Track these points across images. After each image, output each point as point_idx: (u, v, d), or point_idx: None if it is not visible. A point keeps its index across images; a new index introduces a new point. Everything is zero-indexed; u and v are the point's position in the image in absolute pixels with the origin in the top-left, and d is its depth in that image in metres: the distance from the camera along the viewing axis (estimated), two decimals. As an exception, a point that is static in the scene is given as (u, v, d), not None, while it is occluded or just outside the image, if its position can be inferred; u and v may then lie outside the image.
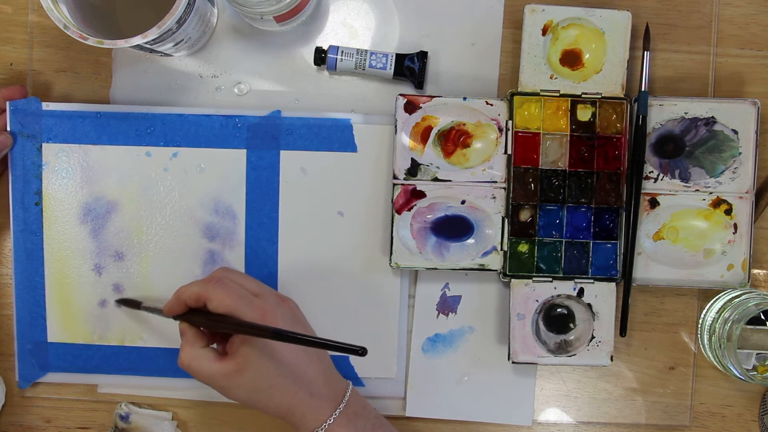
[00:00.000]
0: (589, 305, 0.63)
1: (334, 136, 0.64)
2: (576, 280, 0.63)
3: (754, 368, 0.62)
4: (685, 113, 0.63)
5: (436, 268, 0.63)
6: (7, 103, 0.63)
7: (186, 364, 0.53)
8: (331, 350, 0.50)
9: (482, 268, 0.63)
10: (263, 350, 0.53)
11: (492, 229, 0.63)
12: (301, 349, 0.55)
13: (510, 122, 0.63)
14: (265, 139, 0.64)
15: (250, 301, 0.53)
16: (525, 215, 0.63)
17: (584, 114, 0.63)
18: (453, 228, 0.63)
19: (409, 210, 0.63)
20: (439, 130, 0.63)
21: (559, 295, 0.63)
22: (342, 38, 0.65)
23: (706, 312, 0.65)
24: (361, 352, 0.48)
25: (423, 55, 0.64)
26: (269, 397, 0.54)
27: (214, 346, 0.56)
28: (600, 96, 0.62)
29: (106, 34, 0.56)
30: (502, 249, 0.63)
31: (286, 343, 0.52)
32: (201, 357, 0.53)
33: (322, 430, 0.54)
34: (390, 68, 0.63)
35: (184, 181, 0.64)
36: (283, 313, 0.55)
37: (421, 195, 0.63)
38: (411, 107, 0.62)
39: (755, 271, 0.66)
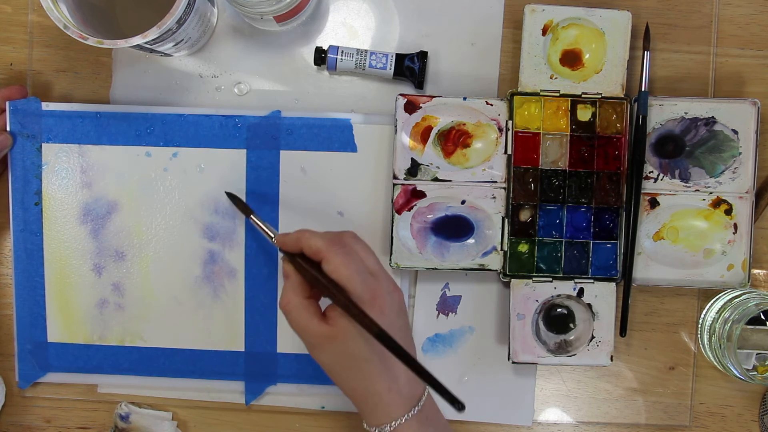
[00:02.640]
0: (589, 305, 0.63)
1: (334, 136, 0.64)
2: (576, 280, 0.63)
3: (754, 368, 0.62)
4: (685, 113, 0.63)
5: (436, 268, 0.63)
6: (7, 103, 0.63)
7: (285, 310, 0.53)
8: (430, 386, 0.49)
9: (482, 268, 0.63)
10: (361, 330, 0.51)
11: (492, 229, 0.63)
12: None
13: (510, 122, 0.63)
14: (265, 139, 0.64)
15: (364, 279, 0.52)
16: (525, 215, 0.63)
17: (584, 114, 0.63)
18: (453, 228, 0.63)
19: (409, 210, 0.63)
20: (439, 130, 0.63)
21: (559, 295, 0.63)
22: (342, 38, 0.65)
23: (706, 312, 0.65)
24: (460, 407, 0.47)
25: (423, 55, 0.64)
26: (349, 377, 0.53)
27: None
28: (600, 96, 0.62)
29: (106, 34, 0.56)
30: (502, 249, 0.63)
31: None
32: (301, 308, 0.52)
33: (389, 426, 0.53)
34: (390, 68, 0.63)
35: (184, 181, 0.64)
36: (391, 302, 0.53)
37: (421, 195, 0.63)
38: (411, 107, 0.62)
39: (755, 271, 0.66)
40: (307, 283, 0.54)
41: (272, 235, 0.58)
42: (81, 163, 0.64)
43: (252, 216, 0.60)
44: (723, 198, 0.63)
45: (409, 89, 0.65)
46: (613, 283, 0.63)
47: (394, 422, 0.53)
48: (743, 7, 0.66)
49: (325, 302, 0.54)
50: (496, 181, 0.63)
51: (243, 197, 0.64)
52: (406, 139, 0.63)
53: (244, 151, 0.64)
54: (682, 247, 0.64)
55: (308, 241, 0.52)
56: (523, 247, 0.63)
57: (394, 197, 0.62)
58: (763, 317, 0.62)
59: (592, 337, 0.63)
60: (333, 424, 0.66)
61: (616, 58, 0.62)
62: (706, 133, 0.63)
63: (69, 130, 0.64)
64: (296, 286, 0.53)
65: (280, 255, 0.56)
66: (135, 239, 0.64)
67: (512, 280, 0.63)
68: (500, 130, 0.63)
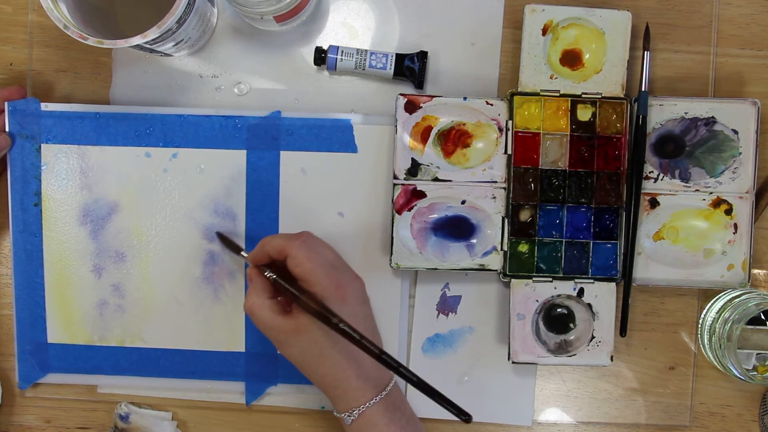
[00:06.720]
0: (589, 305, 0.63)
1: (334, 137, 0.64)
2: (576, 280, 0.63)
3: (754, 368, 0.62)
4: (685, 113, 0.63)
5: (436, 269, 0.63)
6: (6, 103, 0.63)
7: (250, 311, 0.55)
8: (421, 391, 0.51)
9: (482, 268, 0.63)
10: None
11: (492, 229, 0.63)
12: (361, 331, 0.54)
13: (510, 122, 0.62)
14: (265, 139, 0.64)
15: (327, 271, 0.54)
16: (525, 215, 0.63)
17: (584, 114, 0.63)
18: (453, 228, 0.63)
19: (410, 210, 0.63)
20: (439, 130, 0.63)
21: (559, 295, 0.63)
22: (342, 38, 0.65)
23: (706, 312, 0.65)
24: (466, 419, 0.50)
25: (423, 55, 0.64)
26: (317, 365, 0.55)
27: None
28: (600, 96, 0.62)
29: (106, 34, 0.56)
30: (502, 249, 0.63)
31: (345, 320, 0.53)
32: (265, 307, 0.55)
33: (358, 410, 0.55)
34: (390, 68, 0.63)
35: (184, 181, 0.64)
36: (354, 291, 0.56)
37: (421, 195, 0.63)
38: (411, 107, 0.62)
39: (755, 271, 0.66)
40: (270, 283, 0.56)
41: (244, 255, 0.60)
42: (80, 164, 0.64)
43: (243, 253, 0.62)
44: (723, 198, 0.63)
45: (409, 89, 0.65)
46: (613, 283, 0.63)
47: (361, 407, 0.55)
48: (743, 7, 0.66)
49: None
50: (496, 181, 0.63)
51: (243, 198, 0.64)
52: (406, 139, 0.63)
53: (244, 151, 0.64)
54: (682, 247, 0.64)
55: (271, 242, 0.56)
56: (523, 247, 0.63)
57: (395, 197, 0.62)
58: (763, 317, 0.62)
59: (592, 337, 0.63)
60: (333, 424, 0.66)
61: (616, 58, 0.62)
62: (706, 133, 0.63)
63: (68, 130, 0.63)
64: (259, 288, 0.56)
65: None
66: (135, 240, 0.64)
67: (512, 280, 0.63)
68: (500, 130, 0.63)
